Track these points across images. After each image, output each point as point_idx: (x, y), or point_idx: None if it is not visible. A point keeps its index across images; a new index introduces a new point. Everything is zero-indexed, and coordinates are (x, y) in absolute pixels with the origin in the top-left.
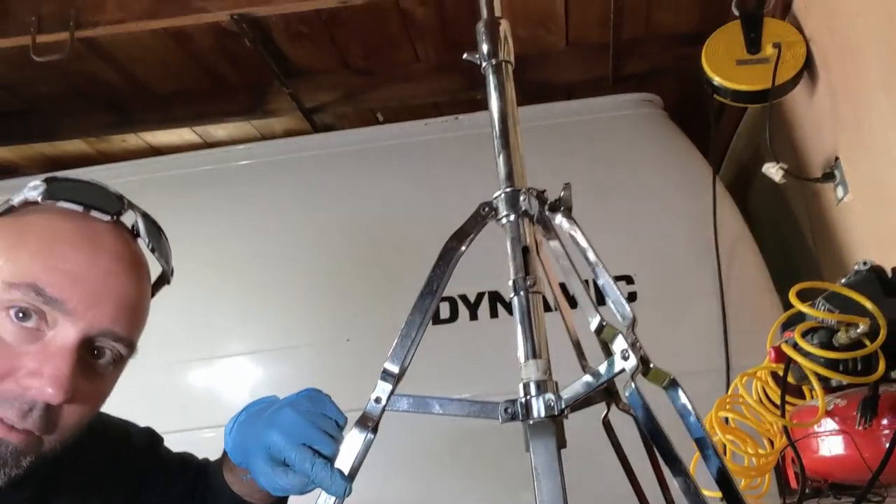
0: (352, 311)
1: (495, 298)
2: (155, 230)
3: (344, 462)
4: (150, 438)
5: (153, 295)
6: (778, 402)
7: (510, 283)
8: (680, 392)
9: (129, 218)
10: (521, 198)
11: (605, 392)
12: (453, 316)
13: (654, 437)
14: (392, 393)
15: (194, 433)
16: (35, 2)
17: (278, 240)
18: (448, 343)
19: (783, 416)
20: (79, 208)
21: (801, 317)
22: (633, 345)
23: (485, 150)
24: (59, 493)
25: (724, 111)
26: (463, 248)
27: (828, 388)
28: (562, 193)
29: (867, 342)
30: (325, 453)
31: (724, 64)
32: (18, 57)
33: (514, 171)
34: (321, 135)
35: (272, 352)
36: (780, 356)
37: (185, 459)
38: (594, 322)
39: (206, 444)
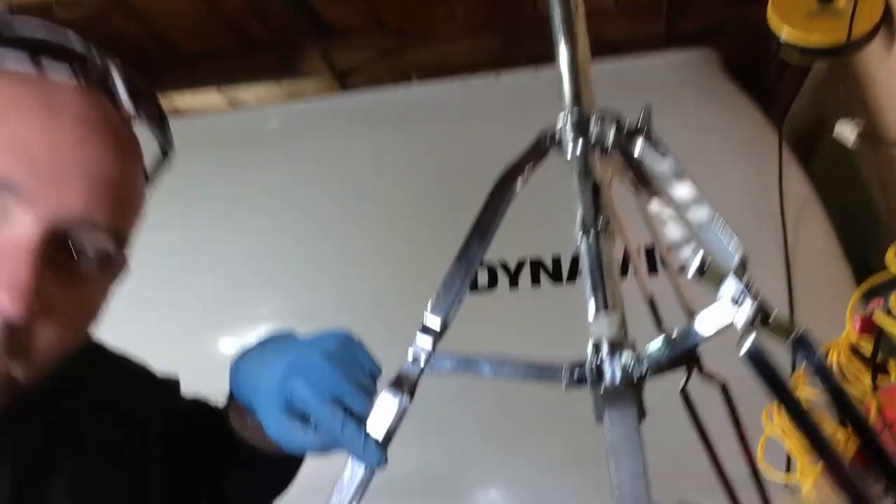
0: (383, 276)
1: (537, 265)
2: (143, 92)
3: (374, 430)
4: (176, 385)
5: (151, 179)
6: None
7: (577, 222)
8: (814, 349)
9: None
10: (592, 123)
11: (686, 356)
12: (492, 283)
13: (790, 408)
14: (433, 351)
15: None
16: None
17: (309, 203)
18: (486, 312)
19: (875, 391)
20: (30, 67)
21: (887, 286)
22: (748, 288)
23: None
24: (57, 468)
25: (786, 71)
26: (518, 185)
27: None
28: (640, 117)
29: None
30: (357, 411)
31: (792, 17)
32: (41, 15)
33: (581, 90)
34: (352, 94)
35: (302, 316)
36: (869, 326)
37: (204, 407)
38: (693, 262)
39: None
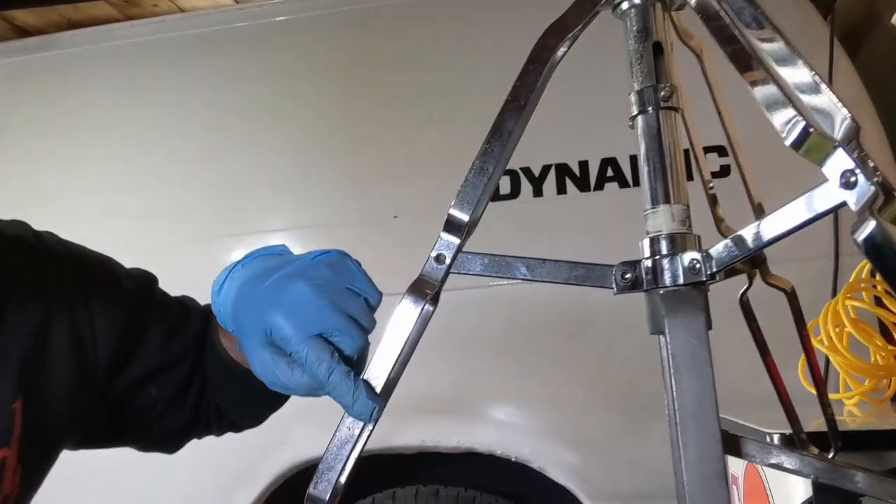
0: (400, 186)
1: (563, 172)
2: None
3: (394, 340)
4: (146, 278)
5: None
6: None
7: (633, 95)
8: None
9: None
10: None
11: (751, 260)
12: (515, 192)
13: None
14: (460, 249)
15: None
16: None
17: (319, 108)
18: (509, 222)
19: None
20: None
21: None
22: (863, 161)
23: None
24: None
25: None
26: (561, 49)
27: None
28: None
29: None
30: (347, 351)
31: None
32: None
33: None
34: None
35: (313, 228)
36: None
37: (187, 306)
38: (792, 131)
39: None
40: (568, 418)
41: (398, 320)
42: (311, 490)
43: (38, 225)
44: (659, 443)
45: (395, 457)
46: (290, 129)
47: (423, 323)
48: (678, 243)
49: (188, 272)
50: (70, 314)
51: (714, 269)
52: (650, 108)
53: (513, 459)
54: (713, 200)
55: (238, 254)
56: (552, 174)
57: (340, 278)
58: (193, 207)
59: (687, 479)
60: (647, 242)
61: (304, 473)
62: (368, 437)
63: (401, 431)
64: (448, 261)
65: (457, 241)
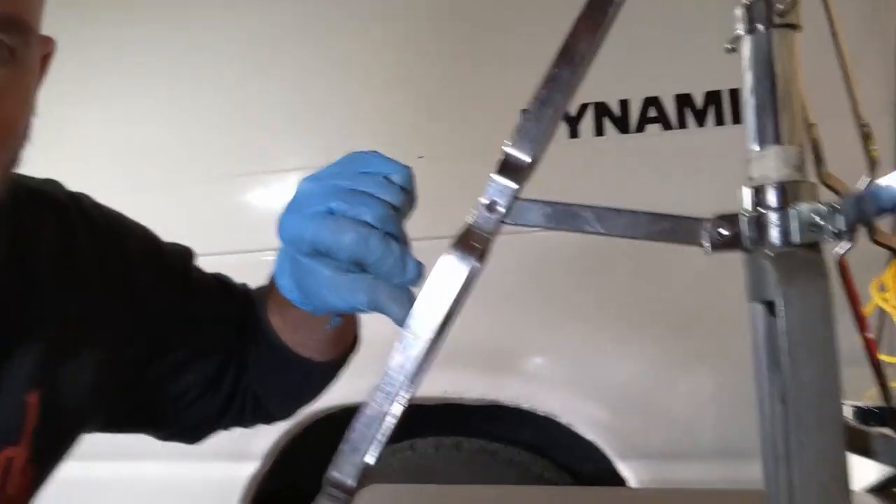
0: (425, 124)
1: (602, 111)
2: None
3: (434, 304)
4: (185, 255)
5: None
6: None
7: (739, 9)
8: None
9: None
10: None
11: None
12: None
13: None
14: (517, 195)
15: (249, 255)
16: None
17: (339, 39)
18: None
19: None
20: None
21: None
22: None
23: None
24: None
25: None
26: None
27: None
28: None
29: None
30: (366, 218)
31: None
32: None
33: None
34: None
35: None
36: None
37: (228, 285)
38: None
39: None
40: (598, 372)
41: (439, 279)
42: (332, 473)
43: (44, 165)
44: (692, 401)
45: (416, 407)
46: (309, 60)
47: (469, 281)
48: (791, 193)
49: (199, 213)
50: (104, 293)
51: (843, 228)
52: (761, 26)
53: (539, 413)
54: (815, 148)
55: (253, 194)
56: (590, 113)
57: (350, 166)
58: (206, 142)
59: (799, 485)
60: (749, 192)
61: (323, 422)
62: (401, 413)
63: (422, 380)
64: (502, 209)
65: (513, 186)
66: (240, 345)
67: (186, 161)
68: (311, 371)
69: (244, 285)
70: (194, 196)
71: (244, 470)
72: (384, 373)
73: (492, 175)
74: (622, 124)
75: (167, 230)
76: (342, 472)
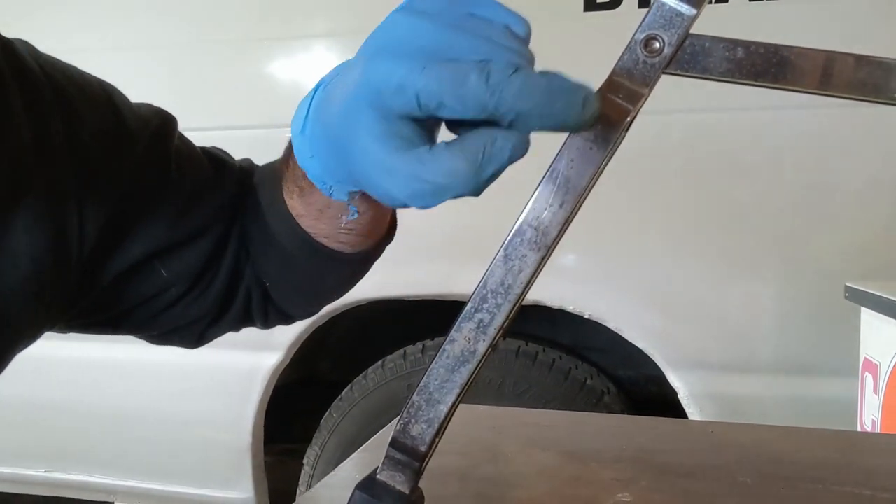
0: None
1: None
2: None
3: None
4: (161, 122)
5: None
6: None
7: None
8: None
9: None
10: None
11: None
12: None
13: None
14: (689, 28)
15: (268, 131)
16: None
17: None
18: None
19: None
20: None
21: None
22: None
23: None
24: None
25: None
26: None
27: None
28: None
29: None
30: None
31: None
32: None
33: None
34: None
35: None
36: None
37: (219, 160)
38: None
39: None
40: (649, 275)
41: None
42: (398, 433)
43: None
44: (750, 310)
45: (451, 304)
46: None
47: (606, 152)
48: None
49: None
50: (40, 164)
51: None
52: None
53: (586, 317)
54: None
55: (279, 63)
56: None
57: (456, 4)
58: (223, 3)
59: None
60: None
61: (348, 314)
62: (483, 359)
63: (459, 276)
64: (665, 50)
65: (691, 11)
66: (237, 233)
67: (203, 20)
68: (337, 265)
69: (247, 160)
70: (207, 60)
71: (266, 360)
72: (478, 294)
73: (650, 15)
74: None
75: (175, 97)
76: (412, 431)
